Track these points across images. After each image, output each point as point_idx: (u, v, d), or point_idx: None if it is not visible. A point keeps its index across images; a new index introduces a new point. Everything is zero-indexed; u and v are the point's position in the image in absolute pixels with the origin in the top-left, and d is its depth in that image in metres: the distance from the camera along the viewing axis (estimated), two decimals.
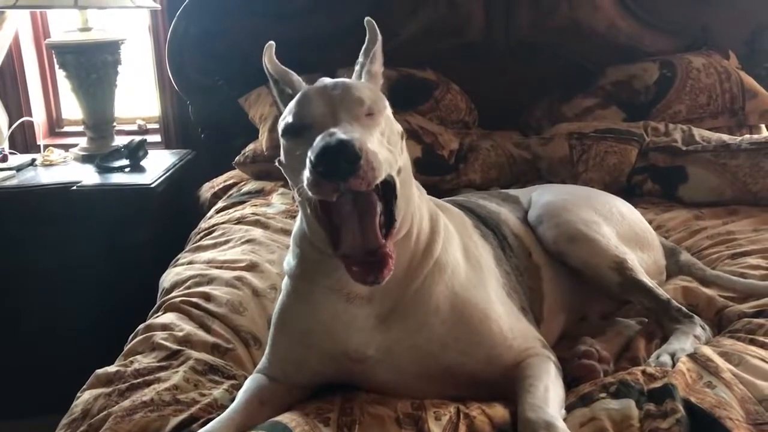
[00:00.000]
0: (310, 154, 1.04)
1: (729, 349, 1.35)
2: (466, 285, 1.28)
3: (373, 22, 1.35)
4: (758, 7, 2.96)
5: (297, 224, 1.32)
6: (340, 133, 1.04)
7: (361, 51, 1.36)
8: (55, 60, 2.97)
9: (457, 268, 1.29)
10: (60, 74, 3.00)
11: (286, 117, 1.19)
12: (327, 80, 1.22)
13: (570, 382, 1.31)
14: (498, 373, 1.27)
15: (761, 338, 1.40)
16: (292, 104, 1.19)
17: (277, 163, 1.25)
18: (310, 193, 1.07)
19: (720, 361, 1.29)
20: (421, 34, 2.93)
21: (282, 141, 1.20)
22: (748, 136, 2.58)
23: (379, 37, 1.34)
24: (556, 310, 1.56)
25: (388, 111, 1.22)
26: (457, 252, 1.31)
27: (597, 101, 2.78)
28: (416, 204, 1.26)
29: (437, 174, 2.49)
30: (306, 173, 1.06)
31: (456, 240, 1.33)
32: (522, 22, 2.93)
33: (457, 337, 1.24)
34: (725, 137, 2.49)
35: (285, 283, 1.35)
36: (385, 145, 1.15)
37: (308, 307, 1.26)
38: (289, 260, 1.33)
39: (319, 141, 1.04)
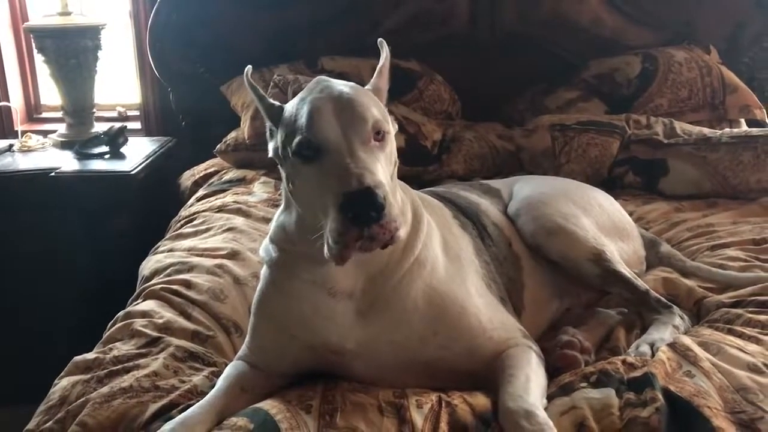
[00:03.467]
0: (337, 201, 1.06)
1: (708, 339, 1.37)
2: (444, 280, 1.28)
3: (384, 41, 1.34)
4: (739, 3, 2.98)
5: (281, 216, 1.31)
6: (366, 178, 1.06)
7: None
8: (33, 44, 2.93)
9: (437, 263, 1.29)
10: (38, 59, 2.96)
11: (298, 133, 1.15)
12: (332, 87, 1.19)
13: (552, 372, 1.31)
14: (479, 365, 1.27)
15: (739, 328, 1.41)
16: (302, 118, 1.15)
17: (287, 189, 1.24)
18: (333, 246, 1.09)
19: (699, 351, 1.30)
20: (405, 24, 2.91)
21: (293, 160, 1.17)
22: (728, 129, 2.59)
23: (386, 54, 1.33)
24: (539, 299, 1.56)
25: (392, 131, 1.22)
26: (437, 247, 1.31)
27: (579, 94, 2.79)
28: (399, 207, 1.25)
29: (420, 164, 2.49)
30: (331, 219, 1.08)
31: (436, 235, 1.34)
32: (507, 14, 2.92)
33: (435, 332, 1.25)
34: (706, 131, 2.51)
35: (264, 272, 1.34)
36: (387, 171, 1.16)
37: (288, 299, 1.26)
38: (268, 249, 1.32)
39: (343, 184, 1.06)
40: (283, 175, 1.25)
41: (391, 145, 1.20)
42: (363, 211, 1.06)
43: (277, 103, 1.28)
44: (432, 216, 1.37)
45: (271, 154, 1.28)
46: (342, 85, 1.20)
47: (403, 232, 1.12)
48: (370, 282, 1.23)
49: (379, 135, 1.16)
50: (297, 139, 1.15)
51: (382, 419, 1.14)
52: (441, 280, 1.28)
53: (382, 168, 1.14)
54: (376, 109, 1.18)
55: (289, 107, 1.23)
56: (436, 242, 1.32)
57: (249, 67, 1.37)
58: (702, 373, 1.23)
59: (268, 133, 1.30)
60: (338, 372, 1.27)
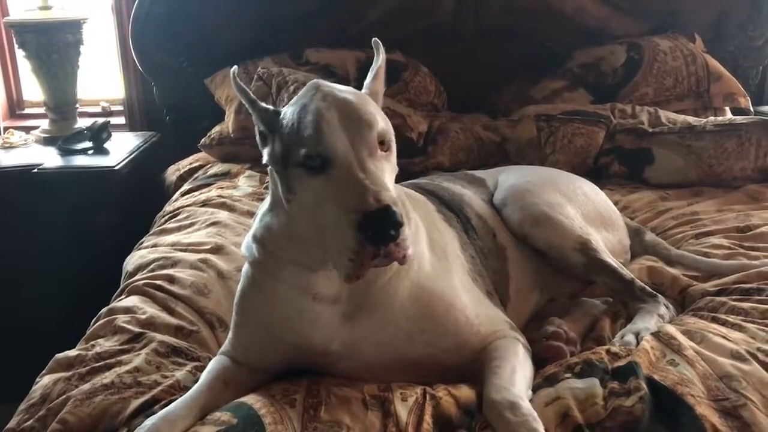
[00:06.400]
0: (352, 219, 1.04)
1: (692, 327, 1.37)
2: (431, 277, 1.27)
3: (379, 42, 1.33)
4: None
5: (266, 216, 1.27)
6: (383, 196, 1.05)
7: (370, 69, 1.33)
8: (14, 39, 2.89)
9: (423, 261, 1.28)
10: (20, 54, 2.92)
11: (303, 144, 1.11)
12: (335, 94, 1.15)
13: (537, 362, 1.31)
14: (466, 359, 1.27)
15: (723, 316, 1.42)
16: (307, 128, 1.11)
17: (284, 197, 1.18)
18: (347, 264, 1.07)
19: (683, 339, 1.31)
20: (389, 15, 2.90)
21: (297, 171, 1.13)
22: (712, 118, 2.61)
23: (382, 56, 1.31)
24: (523, 290, 1.56)
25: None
26: (422, 244, 1.30)
27: (565, 84, 2.79)
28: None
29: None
30: (341, 236, 1.06)
31: (422, 232, 1.33)
32: (491, 4, 2.92)
33: (422, 330, 1.25)
34: (690, 119, 2.52)
35: (246, 270, 1.32)
36: (392, 181, 1.15)
37: (271, 301, 1.25)
38: (251, 247, 1.29)
39: (359, 202, 1.04)
40: (279, 182, 1.20)
41: (395, 154, 1.19)
42: (383, 230, 1.04)
43: (270, 107, 1.24)
44: (417, 212, 1.35)
45: (266, 160, 1.23)
46: (344, 92, 1.17)
47: (411, 251, 1.11)
48: (357, 287, 1.20)
49: (384, 145, 1.14)
50: (303, 151, 1.11)
51: (367, 413, 1.14)
52: (427, 278, 1.27)
53: (389, 180, 1.13)
54: (382, 119, 1.16)
55: (288, 114, 1.18)
56: (422, 239, 1.31)
57: (235, 68, 1.33)
58: (686, 361, 1.24)
59: (258, 137, 1.25)
60: (323, 370, 1.27)
